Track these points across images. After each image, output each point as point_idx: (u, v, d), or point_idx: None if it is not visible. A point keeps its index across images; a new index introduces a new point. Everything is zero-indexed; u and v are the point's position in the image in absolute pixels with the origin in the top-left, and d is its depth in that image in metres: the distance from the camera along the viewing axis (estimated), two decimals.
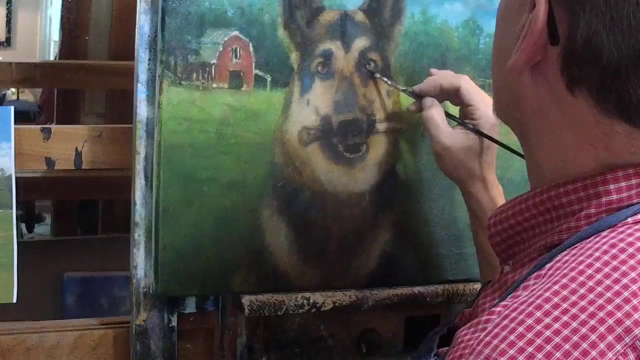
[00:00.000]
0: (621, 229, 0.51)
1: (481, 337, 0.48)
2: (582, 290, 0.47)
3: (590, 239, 0.51)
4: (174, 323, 0.94)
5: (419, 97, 0.91)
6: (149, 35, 0.88)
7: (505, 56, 0.57)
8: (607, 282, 0.47)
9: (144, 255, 0.91)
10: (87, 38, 1.97)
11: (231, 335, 0.96)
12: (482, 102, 0.88)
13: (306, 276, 0.95)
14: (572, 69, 0.52)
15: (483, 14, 0.97)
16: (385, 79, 0.92)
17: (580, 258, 0.50)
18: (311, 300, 0.93)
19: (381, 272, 0.98)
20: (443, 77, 0.91)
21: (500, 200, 0.87)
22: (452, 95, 0.90)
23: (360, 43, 0.92)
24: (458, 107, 0.91)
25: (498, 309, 0.49)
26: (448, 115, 0.89)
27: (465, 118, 0.89)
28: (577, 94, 0.52)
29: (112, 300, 1.76)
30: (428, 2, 0.94)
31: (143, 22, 0.87)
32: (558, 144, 0.56)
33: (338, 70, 0.91)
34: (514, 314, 0.48)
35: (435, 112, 0.88)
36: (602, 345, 0.45)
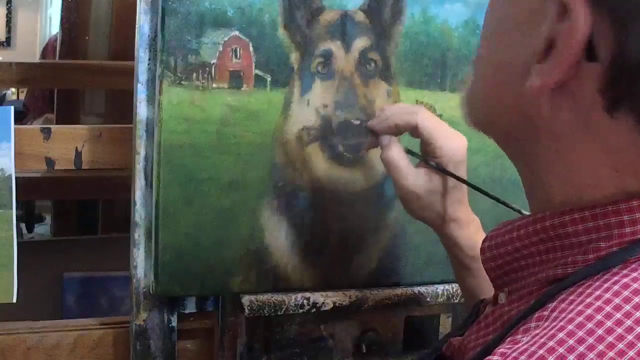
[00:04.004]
0: (633, 266, 0.46)
1: None
2: (591, 340, 0.42)
3: (598, 276, 0.46)
4: (174, 323, 0.94)
5: (374, 134, 0.85)
6: (149, 35, 0.88)
7: (513, 74, 0.50)
8: (619, 330, 0.42)
9: (144, 255, 0.91)
10: (87, 38, 1.97)
11: (231, 335, 0.96)
12: (444, 138, 0.80)
13: (306, 276, 0.95)
14: (618, 89, 0.45)
15: (483, 14, 0.96)
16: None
17: (588, 300, 0.44)
18: (311, 300, 0.93)
19: (381, 272, 0.98)
20: (397, 114, 0.83)
21: (478, 235, 0.81)
22: (410, 132, 0.83)
23: (361, 43, 0.92)
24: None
25: (495, 357, 0.44)
26: (409, 152, 0.83)
27: (427, 156, 0.82)
28: (617, 114, 0.46)
29: (112, 300, 1.76)
30: (428, 2, 0.94)
31: (143, 22, 0.87)
32: (576, 168, 0.49)
33: (338, 70, 0.92)
34: None
35: (395, 153, 0.81)
36: None
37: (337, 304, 0.94)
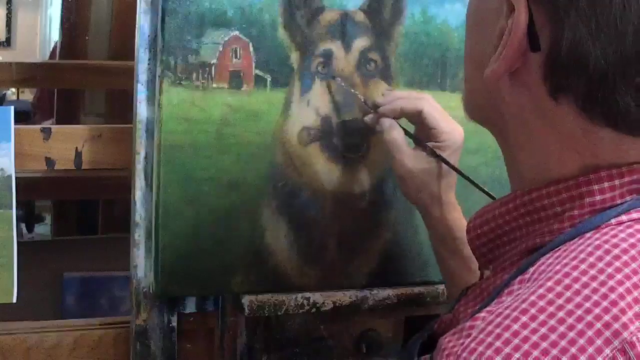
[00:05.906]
0: (605, 231, 0.50)
1: (466, 343, 0.47)
2: (568, 293, 0.46)
3: (574, 240, 0.51)
4: (174, 323, 0.94)
5: (376, 112, 0.89)
6: (149, 35, 0.88)
7: (481, 63, 0.56)
8: (594, 284, 0.46)
9: (144, 255, 0.91)
10: (87, 38, 1.97)
11: (231, 335, 0.96)
12: (446, 125, 0.86)
13: (306, 276, 0.95)
14: (556, 77, 0.51)
15: None
16: (348, 87, 0.91)
17: (565, 260, 0.49)
18: (311, 300, 0.93)
19: (381, 272, 0.98)
20: (405, 98, 0.88)
21: (461, 221, 0.85)
22: (413, 117, 0.88)
23: (361, 43, 0.92)
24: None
25: (482, 314, 0.48)
26: (407, 134, 0.87)
27: (427, 140, 0.86)
28: (560, 101, 0.51)
29: (112, 300, 1.76)
30: (428, 2, 0.94)
31: (143, 22, 0.87)
32: (539, 149, 0.55)
33: (338, 70, 0.91)
34: (499, 319, 0.47)
35: (397, 134, 0.86)
36: (590, 350, 0.44)
37: (337, 304, 0.94)
